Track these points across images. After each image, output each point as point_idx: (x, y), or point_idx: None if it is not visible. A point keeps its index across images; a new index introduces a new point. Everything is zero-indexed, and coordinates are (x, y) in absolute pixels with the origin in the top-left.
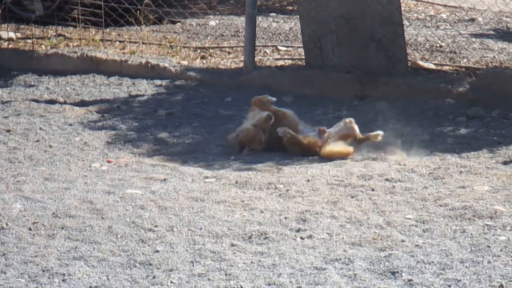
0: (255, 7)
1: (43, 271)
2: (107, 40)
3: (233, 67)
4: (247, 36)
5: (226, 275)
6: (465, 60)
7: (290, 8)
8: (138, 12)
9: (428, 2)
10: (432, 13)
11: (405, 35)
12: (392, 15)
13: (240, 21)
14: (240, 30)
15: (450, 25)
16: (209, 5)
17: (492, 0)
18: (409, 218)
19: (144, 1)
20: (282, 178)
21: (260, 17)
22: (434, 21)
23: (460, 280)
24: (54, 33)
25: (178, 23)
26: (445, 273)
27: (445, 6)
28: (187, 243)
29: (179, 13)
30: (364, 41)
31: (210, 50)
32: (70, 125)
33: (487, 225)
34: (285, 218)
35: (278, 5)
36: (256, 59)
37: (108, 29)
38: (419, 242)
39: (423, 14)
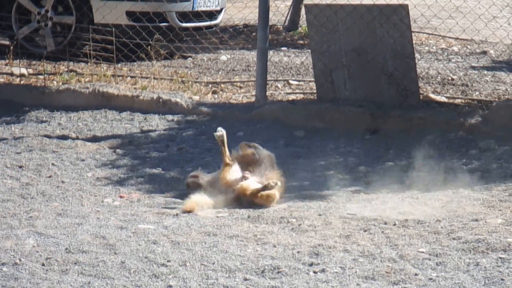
0: (266, 42)
1: None
2: (118, 76)
3: (244, 101)
4: (258, 71)
5: None
6: (477, 93)
7: (301, 42)
8: (149, 47)
9: (440, 35)
10: (443, 46)
11: (417, 68)
12: (404, 49)
13: (251, 56)
14: (251, 65)
15: (462, 58)
16: (220, 40)
17: (504, 32)
18: (422, 252)
19: (155, 36)
20: (294, 212)
21: (271, 52)
22: (446, 54)
23: None
24: (66, 69)
25: (189, 58)
26: None
27: (456, 39)
28: (200, 278)
29: (190, 48)
30: (376, 75)
31: (222, 85)
32: (83, 160)
33: (500, 258)
34: (298, 252)
35: (289, 39)
36: (267, 93)
37: (119, 65)
38: (433, 276)
39: (434, 47)
